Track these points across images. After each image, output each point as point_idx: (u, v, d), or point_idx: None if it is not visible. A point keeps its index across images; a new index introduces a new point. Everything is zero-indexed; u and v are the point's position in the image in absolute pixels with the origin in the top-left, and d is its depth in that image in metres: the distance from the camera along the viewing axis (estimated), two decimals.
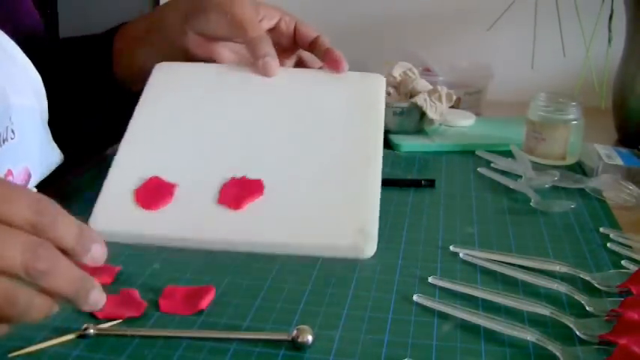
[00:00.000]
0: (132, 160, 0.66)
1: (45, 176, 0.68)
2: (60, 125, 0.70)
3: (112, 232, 0.62)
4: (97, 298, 0.40)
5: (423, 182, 0.77)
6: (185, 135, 0.68)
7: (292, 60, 0.79)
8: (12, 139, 0.62)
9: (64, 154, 0.70)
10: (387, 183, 0.74)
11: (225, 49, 0.74)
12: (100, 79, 0.79)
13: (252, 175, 0.63)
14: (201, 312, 0.50)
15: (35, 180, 0.66)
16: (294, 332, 0.46)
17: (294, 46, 0.77)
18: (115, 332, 0.48)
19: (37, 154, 0.66)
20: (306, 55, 0.79)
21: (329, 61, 0.72)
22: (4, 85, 0.61)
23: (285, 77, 0.72)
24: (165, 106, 0.70)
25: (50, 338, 0.46)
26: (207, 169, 0.65)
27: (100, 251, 0.41)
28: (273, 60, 0.70)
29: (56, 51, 0.80)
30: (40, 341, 0.46)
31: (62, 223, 0.39)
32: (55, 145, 0.69)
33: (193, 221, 0.61)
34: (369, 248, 0.58)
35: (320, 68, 0.76)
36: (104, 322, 0.49)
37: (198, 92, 0.71)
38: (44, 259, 0.37)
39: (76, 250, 0.39)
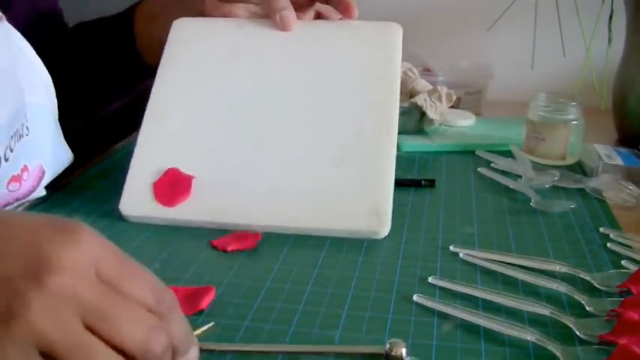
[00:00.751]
0: (155, 139, 0.68)
1: (57, 175, 0.69)
2: (86, 108, 0.71)
3: (139, 216, 0.65)
4: None
5: (423, 182, 0.77)
6: (205, 103, 0.69)
7: (310, 14, 0.78)
8: (27, 135, 0.62)
9: (83, 144, 0.71)
10: None
11: (241, 10, 0.74)
12: (125, 58, 0.80)
13: (270, 149, 0.66)
14: (201, 312, 0.50)
15: (48, 178, 0.67)
16: (387, 346, 0.45)
17: (311, 1, 0.77)
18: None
19: (50, 151, 0.66)
20: (324, 8, 0.78)
21: (341, 9, 0.72)
22: (21, 83, 0.62)
23: (302, 31, 0.72)
24: (185, 68, 0.71)
25: None
26: (226, 151, 0.67)
27: (194, 355, 0.38)
28: (290, 13, 0.70)
29: (79, 33, 0.81)
30: None
31: (176, 318, 0.37)
32: (65, 145, 0.69)
33: (212, 208, 0.64)
34: (384, 229, 0.62)
35: (340, 19, 0.76)
36: None
37: (216, 50, 0.72)
38: (161, 344, 0.35)
39: (179, 349, 0.37)
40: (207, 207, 0.64)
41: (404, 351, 0.45)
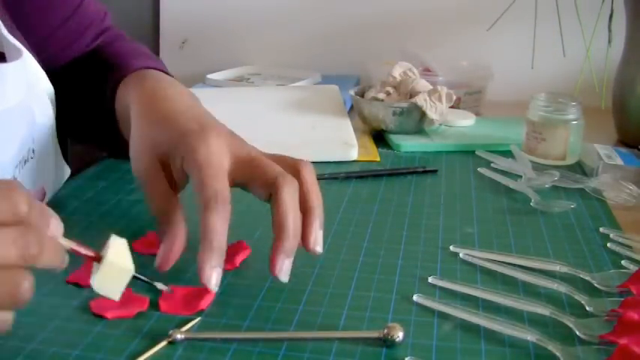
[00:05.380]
0: None
1: (56, 192, 0.68)
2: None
3: None
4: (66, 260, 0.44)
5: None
6: None
7: None
8: (32, 158, 0.61)
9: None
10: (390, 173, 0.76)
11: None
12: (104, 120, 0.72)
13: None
14: (201, 312, 0.50)
15: (48, 197, 0.66)
16: (385, 330, 0.46)
17: None
18: (201, 336, 0.48)
19: (52, 170, 0.66)
20: None
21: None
22: (34, 110, 0.61)
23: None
24: None
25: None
26: None
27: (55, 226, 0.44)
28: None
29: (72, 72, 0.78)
30: (136, 353, 0.45)
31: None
32: (63, 160, 0.69)
33: None
34: (353, 153, 0.86)
35: None
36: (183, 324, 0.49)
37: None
38: (34, 243, 0.40)
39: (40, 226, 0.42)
40: None
41: (400, 334, 0.46)
